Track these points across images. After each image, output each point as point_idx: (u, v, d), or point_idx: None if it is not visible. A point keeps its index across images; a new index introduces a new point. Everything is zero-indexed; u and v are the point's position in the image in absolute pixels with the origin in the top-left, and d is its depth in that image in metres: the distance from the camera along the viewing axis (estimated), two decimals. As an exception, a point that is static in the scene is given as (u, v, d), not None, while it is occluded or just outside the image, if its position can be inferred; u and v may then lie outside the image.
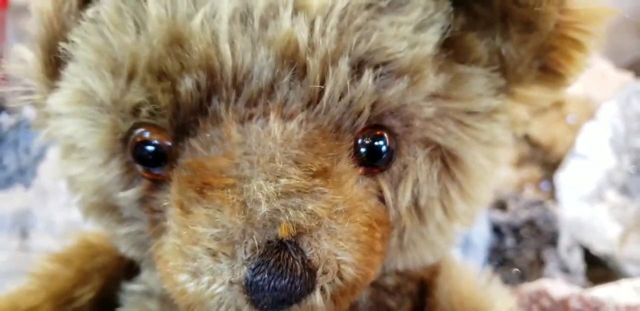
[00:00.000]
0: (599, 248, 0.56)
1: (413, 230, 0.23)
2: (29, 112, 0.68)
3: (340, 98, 0.20)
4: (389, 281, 0.26)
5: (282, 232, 0.17)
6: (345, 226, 0.19)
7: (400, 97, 0.20)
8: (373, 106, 0.20)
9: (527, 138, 0.71)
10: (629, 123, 0.58)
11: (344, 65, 0.19)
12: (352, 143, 0.21)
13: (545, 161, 0.69)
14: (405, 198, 0.22)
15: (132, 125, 0.21)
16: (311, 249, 0.18)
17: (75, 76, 0.22)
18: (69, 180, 0.25)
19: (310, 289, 0.18)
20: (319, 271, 0.18)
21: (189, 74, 0.19)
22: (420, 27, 0.21)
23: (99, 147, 0.22)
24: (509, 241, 0.56)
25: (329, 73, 0.19)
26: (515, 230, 0.57)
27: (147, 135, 0.21)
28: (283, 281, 0.17)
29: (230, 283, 0.18)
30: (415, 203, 0.23)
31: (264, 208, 0.18)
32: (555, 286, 0.41)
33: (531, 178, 0.68)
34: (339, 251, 0.18)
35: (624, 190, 0.57)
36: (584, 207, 0.58)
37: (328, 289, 0.18)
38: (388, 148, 0.21)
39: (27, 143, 0.66)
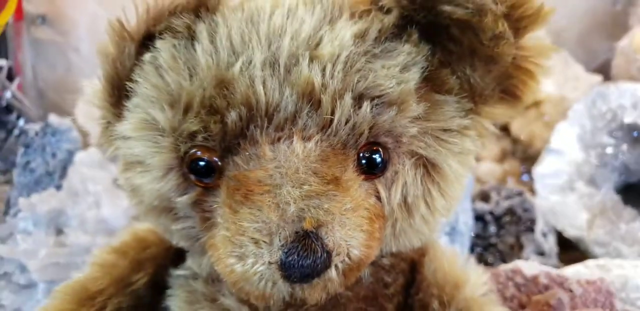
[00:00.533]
0: (570, 232, 0.61)
1: (403, 222, 0.28)
2: (54, 120, 0.73)
3: (346, 123, 0.25)
4: (386, 261, 0.31)
5: (307, 225, 0.23)
6: (352, 219, 0.24)
7: (391, 121, 0.25)
8: (370, 129, 0.25)
9: (508, 135, 0.75)
10: (594, 122, 0.62)
11: (348, 99, 0.24)
12: (355, 157, 0.26)
13: (526, 155, 0.73)
14: (397, 197, 0.27)
15: (189, 147, 0.26)
16: (327, 237, 0.23)
17: (138, 107, 0.27)
18: (133, 188, 0.29)
19: (327, 266, 0.23)
20: (334, 253, 0.23)
21: (234, 109, 0.24)
22: (405, 68, 0.26)
23: (160, 163, 0.27)
24: (492, 228, 0.60)
25: (337, 105, 0.24)
26: (497, 219, 0.61)
27: (199, 153, 0.26)
28: (308, 260, 0.22)
29: (269, 263, 0.22)
30: (405, 200, 0.27)
31: (292, 208, 0.23)
32: (528, 265, 0.47)
33: (512, 171, 0.72)
34: (348, 238, 0.23)
35: (591, 181, 0.62)
36: (557, 197, 0.62)
37: (340, 266, 0.23)
38: (382, 159, 0.26)
39: (53, 148, 0.72)
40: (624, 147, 0.62)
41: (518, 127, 0.73)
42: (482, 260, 0.58)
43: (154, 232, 0.35)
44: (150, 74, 0.27)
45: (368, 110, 0.25)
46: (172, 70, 0.26)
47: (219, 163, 0.26)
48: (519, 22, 0.26)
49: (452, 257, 0.33)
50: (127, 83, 0.28)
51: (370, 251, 0.25)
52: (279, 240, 0.23)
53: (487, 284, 0.33)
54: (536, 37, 0.27)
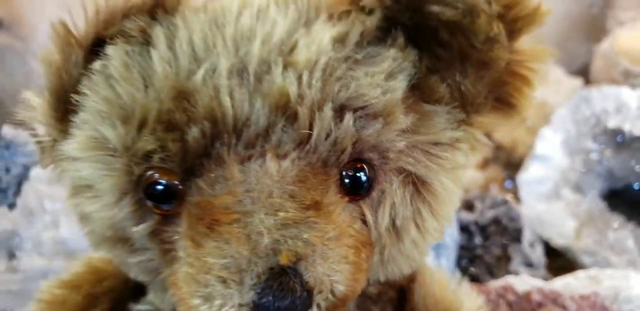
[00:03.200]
0: (558, 242, 0.59)
1: (392, 247, 0.26)
2: (8, 132, 0.68)
3: (326, 138, 0.22)
4: (372, 290, 0.29)
5: (283, 260, 0.20)
6: (336, 250, 0.21)
7: (376, 135, 0.23)
8: (354, 144, 0.23)
9: (490, 141, 0.75)
10: (579, 127, 0.62)
11: (328, 111, 0.22)
12: (338, 176, 0.23)
13: (508, 161, 0.73)
14: (385, 220, 0.25)
15: (144, 169, 0.23)
16: (308, 273, 0.20)
17: (86, 124, 0.24)
18: (82, 216, 0.26)
19: (308, 306, 0.21)
20: (316, 291, 0.21)
21: (195, 124, 0.22)
22: (390, 75, 0.24)
23: (112, 187, 0.24)
24: (477, 239, 0.59)
25: (316, 118, 0.22)
26: (483, 229, 0.59)
27: (157, 176, 0.23)
28: (285, 302, 0.20)
29: (240, 305, 0.20)
30: (393, 223, 0.25)
31: (265, 239, 0.20)
32: (519, 281, 0.45)
33: (495, 178, 0.71)
34: (332, 273, 0.21)
35: (577, 188, 0.61)
36: (543, 205, 0.61)
37: (323, 305, 0.21)
38: (368, 178, 0.24)
39: (7, 163, 0.66)
40: (608, 152, 0.62)
41: (501, 133, 0.72)
42: (468, 273, 0.56)
43: (111, 261, 0.32)
44: (99, 85, 0.24)
45: (351, 123, 0.23)
46: (124, 80, 0.23)
47: (180, 187, 0.23)
48: (514, 24, 0.24)
49: (443, 281, 0.32)
50: (74, 95, 0.25)
51: (357, 285, 0.23)
52: (251, 278, 0.20)
53: (482, 308, 0.31)
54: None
